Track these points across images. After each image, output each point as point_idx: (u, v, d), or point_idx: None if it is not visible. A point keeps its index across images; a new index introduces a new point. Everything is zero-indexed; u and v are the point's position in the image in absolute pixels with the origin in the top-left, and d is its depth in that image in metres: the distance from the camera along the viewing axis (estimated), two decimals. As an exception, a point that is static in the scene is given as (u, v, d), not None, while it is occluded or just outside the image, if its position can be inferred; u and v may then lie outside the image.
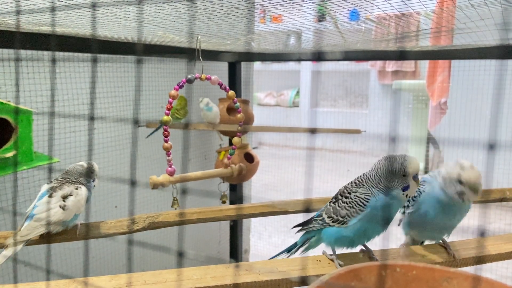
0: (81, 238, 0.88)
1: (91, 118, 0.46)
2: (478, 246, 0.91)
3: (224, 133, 1.90)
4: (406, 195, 0.82)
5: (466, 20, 1.07)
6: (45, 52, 1.30)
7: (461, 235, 0.99)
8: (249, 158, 1.84)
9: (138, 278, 0.70)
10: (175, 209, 1.12)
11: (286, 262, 0.82)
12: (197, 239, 2.05)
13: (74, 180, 0.92)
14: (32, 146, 1.12)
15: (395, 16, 1.54)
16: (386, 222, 0.85)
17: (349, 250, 0.90)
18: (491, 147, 0.29)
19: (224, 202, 1.29)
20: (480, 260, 0.88)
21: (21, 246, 0.83)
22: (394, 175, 0.82)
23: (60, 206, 0.87)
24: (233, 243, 2.14)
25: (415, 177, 0.82)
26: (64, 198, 0.88)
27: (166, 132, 1.08)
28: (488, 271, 2.10)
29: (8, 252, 0.82)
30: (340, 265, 0.86)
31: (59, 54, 1.37)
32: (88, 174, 0.94)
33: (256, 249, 2.56)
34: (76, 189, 0.90)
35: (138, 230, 0.92)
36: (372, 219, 0.84)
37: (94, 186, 0.97)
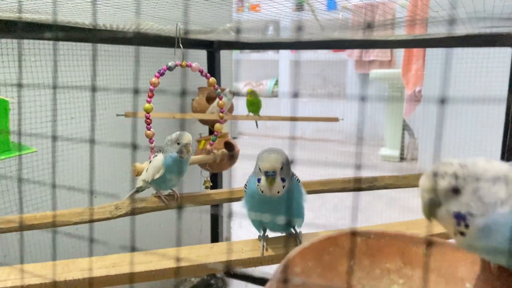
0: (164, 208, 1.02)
1: (54, 111, 0.47)
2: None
3: (204, 122, 1.90)
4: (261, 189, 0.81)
5: (439, 9, 1.10)
6: (25, 41, 1.28)
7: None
8: (229, 147, 1.86)
9: (124, 259, 0.71)
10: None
11: (269, 240, 0.85)
12: (178, 227, 2.06)
13: (161, 149, 1.03)
14: (9, 136, 1.11)
15: (371, 5, 1.57)
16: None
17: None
18: (442, 101, 0.31)
19: (207, 187, 1.30)
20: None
21: (133, 192, 1.08)
22: (256, 167, 0.84)
23: (146, 169, 1.05)
24: (214, 231, 2.16)
25: (266, 174, 0.78)
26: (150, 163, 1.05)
27: (148, 120, 1.09)
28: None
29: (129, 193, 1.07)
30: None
31: (38, 43, 1.34)
32: (173, 145, 1.01)
33: (238, 237, 2.59)
34: (154, 156, 1.03)
35: (121, 216, 0.93)
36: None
37: (181, 157, 1.01)
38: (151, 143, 1.12)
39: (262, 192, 0.80)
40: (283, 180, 0.79)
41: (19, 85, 1.06)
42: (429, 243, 0.32)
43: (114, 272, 0.66)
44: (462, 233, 0.47)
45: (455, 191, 0.46)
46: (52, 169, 1.40)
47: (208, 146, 1.25)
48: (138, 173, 1.07)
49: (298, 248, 0.47)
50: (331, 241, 0.50)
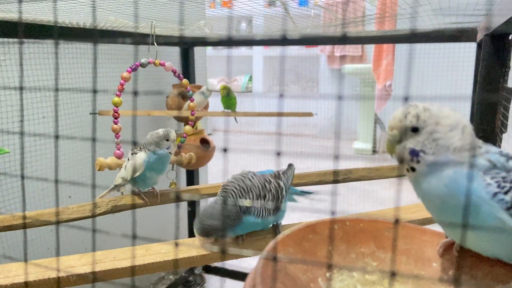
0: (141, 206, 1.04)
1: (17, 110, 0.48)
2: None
3: (179, 119, 1.91)
4: None
5: (406, 6, 1.14)
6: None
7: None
8: (205, 143, 1.87)
9: (107, 255, 0.72)
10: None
11: (249, 233, 0.87)
12: (155, 225, 2.05)
13: (142, 147, 1.04)
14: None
15: (342, 2, 1.61)
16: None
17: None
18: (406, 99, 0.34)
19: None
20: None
21: (110, 189, 1.08)
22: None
23: (124, 167, 1.06)
24: (191, 228, 2.16)
25: None
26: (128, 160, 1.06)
27: (116, 114, 1.08)
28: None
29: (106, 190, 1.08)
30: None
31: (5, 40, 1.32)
32: (162, 141, 1.02)
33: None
34: (133, 154, 1.03)
35: (100, 214, 0.93)
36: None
37: (170, 152, 1.04)
38: (117, 137, 1.12)
39: None
40: None
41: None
42: (396, 220, 0.35)
43: (98, 269, 0.67)
44: (413, 169, 0.51)
45: (414, 130, 0.51)
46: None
47: (176, 148, 1.25)
48: (101, 168, 1.07)
49: (280, 236, 0.49)
50: (310, 229, 0.53)
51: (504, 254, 0.50)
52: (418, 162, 0.50)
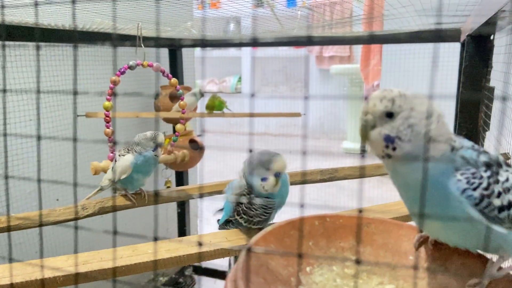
0: (132, 206, 1.05)
1: None
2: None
3: (168, 120, 1.91)
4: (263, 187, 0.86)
5: (390, 7, 1.16)
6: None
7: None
8: (194, 145, 1.87)
9: (94, 256, 0.72)
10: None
11: (234, 232, 0.88)
12: (144, 227, 2.05)
13: (130, 149, 1.04)
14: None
15: (329, 4, 1.63)
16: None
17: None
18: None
19: (168, 187, 1.32)
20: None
21: (97, 190, 1.10)
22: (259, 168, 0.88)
23: (111, 168, 1.07)
24: (181, 229, 2.16)
25: (277, 174, 0.86)
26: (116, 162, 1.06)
27: (107, 118, 1.09)
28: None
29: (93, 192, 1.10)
30: None
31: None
32: (148, 143, 1.03)
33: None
34: (120, 155, 1.04)
35: (88, 216, 0.93)
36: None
37: (156, 155, 1.05)
38: (110, 141, 1.13)
39: (266, 190, 0.85)
40: None
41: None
42: (360, 211, 0.37)
43: (85, 270, 0.67)
44: (388, 156, 0.50)
45: (389, 115, 0.49)
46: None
47: (168, 147, 1.26)
48: (96, 172, 1.08)
49: (261, 232, 0.51)
50: (291, 225, 0.54)
51: (469, 245, 0.52)
52: (394, 149, 0.48)
